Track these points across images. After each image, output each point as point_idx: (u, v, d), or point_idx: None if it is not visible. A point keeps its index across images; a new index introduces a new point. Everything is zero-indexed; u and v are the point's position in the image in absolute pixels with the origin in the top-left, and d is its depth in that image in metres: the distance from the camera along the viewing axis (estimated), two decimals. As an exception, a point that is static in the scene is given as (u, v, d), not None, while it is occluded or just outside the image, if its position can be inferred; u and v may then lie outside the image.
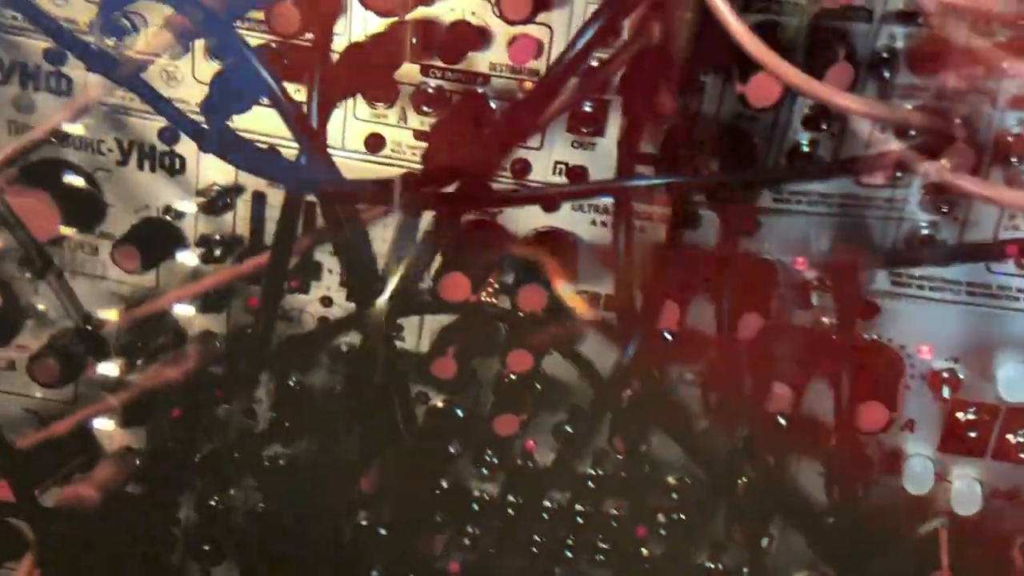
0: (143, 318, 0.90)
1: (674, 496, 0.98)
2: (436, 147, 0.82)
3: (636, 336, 0.85)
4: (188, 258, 0.89)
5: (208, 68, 0.85)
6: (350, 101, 0.86)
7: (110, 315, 0.90)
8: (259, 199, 0.90)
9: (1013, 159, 0.79)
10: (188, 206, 0.89)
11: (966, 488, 0.91)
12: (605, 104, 0.83)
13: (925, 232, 0.84)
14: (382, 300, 0.82)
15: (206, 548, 1.02)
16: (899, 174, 0.81)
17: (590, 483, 0.98)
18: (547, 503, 1.00)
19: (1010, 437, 0.91)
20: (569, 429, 0.96)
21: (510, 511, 1.00)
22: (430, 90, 0.84)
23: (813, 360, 0.84)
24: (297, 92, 0.78)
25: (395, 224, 0.84)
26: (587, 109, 0.84)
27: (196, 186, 0.90)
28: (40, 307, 0.94)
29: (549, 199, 0.84)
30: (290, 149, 0.86)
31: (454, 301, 0.82)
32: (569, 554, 1.01)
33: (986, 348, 0.88)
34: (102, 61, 0.74)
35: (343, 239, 0.83)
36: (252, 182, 0.89)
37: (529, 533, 1.01)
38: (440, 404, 0.96)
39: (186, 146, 0.89)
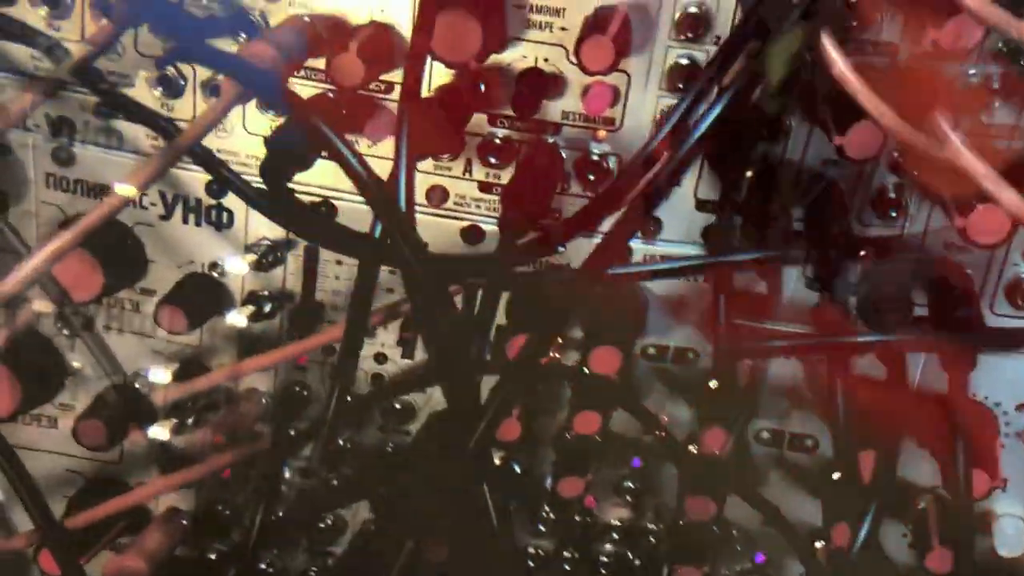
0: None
1: (738, 549, 0.94)
2: (512, 203, 0.77)
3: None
4: (237, 318, 0.84)
5: (259, 119, 0.80)
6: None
7: (161, 378, 0.85)
8: (311, 254, 0.85)
9: None
10: (236, 262, 0.84)
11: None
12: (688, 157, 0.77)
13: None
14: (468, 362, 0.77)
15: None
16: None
17: (651, 538, 0.94)
18: (603, 558, 0.96)
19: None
20: (631, 485, 0.92)
21: (566, 567, 0.96)
22: (497, 140, 0.79)
23: (916, 423, 0.78)
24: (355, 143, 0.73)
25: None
26: (664, 158, 0.79)
27: (245, 241, 0.85)
28: (76, 365, 0.90)
29: (644, 278, 0.80)
30: (346, 203, 0.82)
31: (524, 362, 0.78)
32: None
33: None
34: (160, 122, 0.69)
35: (428, 311, 0.77)
36: (305, 236, 0.84)
37: None
38: (497, 461, 0.91)
39: (234, 199, 0.83)
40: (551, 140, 0.79)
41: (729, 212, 0.77)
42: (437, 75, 0.76)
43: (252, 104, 0.79)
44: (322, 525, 0.93)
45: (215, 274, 0.86)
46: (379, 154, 0.78)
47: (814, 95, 0.73)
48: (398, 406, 0.90)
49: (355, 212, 0.80)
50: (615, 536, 0.95)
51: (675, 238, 0.82)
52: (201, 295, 0.85)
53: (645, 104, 0.77)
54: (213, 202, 0.84)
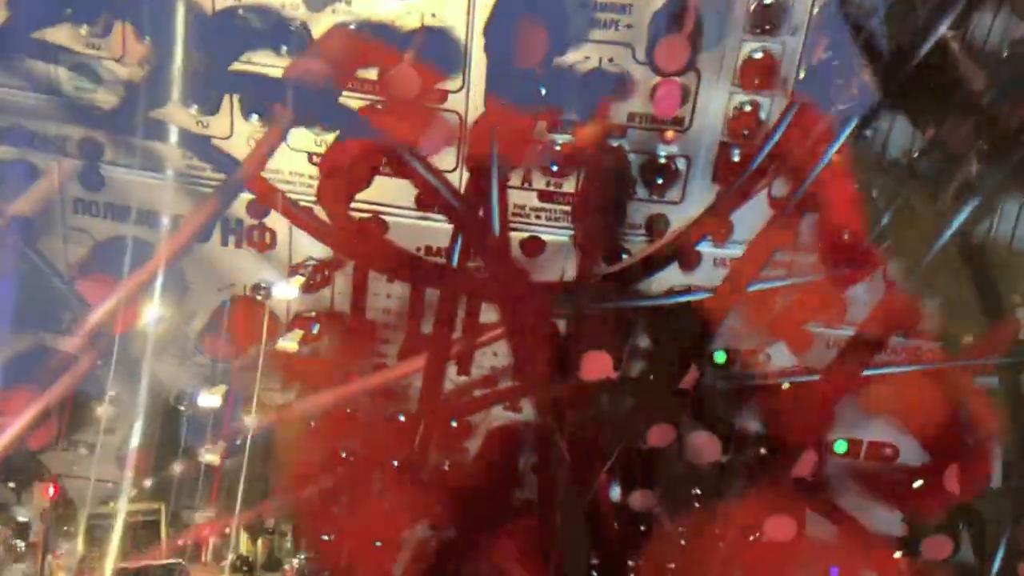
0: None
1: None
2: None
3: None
4: (287, 343, 0.79)
5: (302, 135, 0.75)
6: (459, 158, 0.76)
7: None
8: (362, 272, 0.80)
9: None
10: (279, 288, 0.79)
11: None
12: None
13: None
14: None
15: None
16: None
17: None
18: None
19: None
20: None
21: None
22: (558, 147, 0.74)
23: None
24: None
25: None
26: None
27: (288, 261, 0.80)
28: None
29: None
30: (395, 218, 0.77)
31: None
32: None
33: None
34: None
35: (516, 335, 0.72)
36: (352, 254, 0.79)
37: None
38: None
39: (277, 219, 0.78)
40: (616, 144, 0.74)
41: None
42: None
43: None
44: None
45: (258, 296, 0.81)
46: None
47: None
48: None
49: (404, 227, 0.77)
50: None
51: (744, 240, 0.78)
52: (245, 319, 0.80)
53: (716, 102, 0.72)
54: (255, 222, 0.79)
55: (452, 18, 0.70)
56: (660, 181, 0.75)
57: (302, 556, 0.88)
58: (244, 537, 0.89)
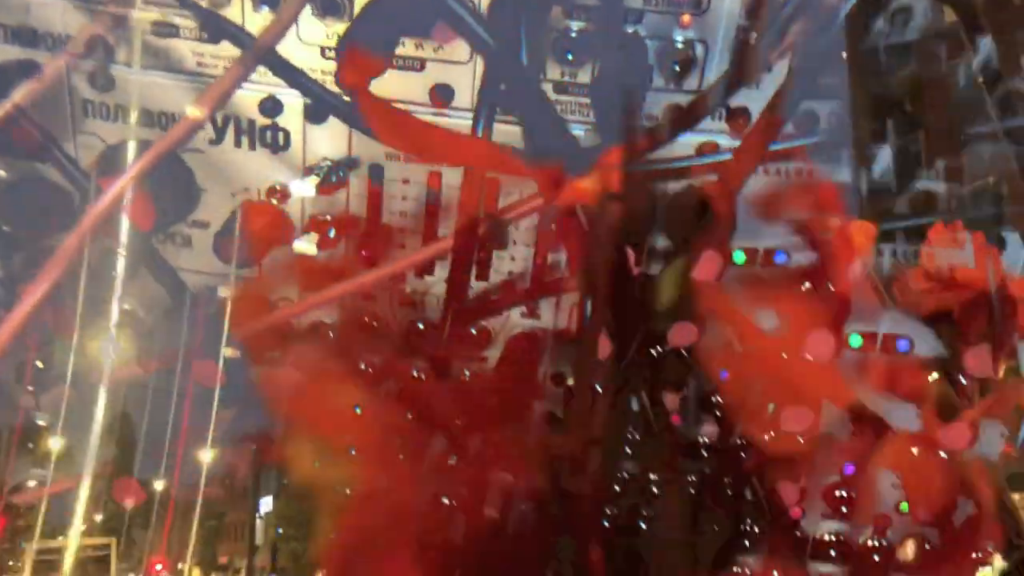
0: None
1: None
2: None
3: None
4: (304, 245, 0.79)
5: (314, 27, 0.74)
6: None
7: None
8: (376, 172, 0.79)
9: None
10: (296, 186, 0.78)
11: None
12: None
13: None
14: None
15: None
16: None
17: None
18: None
19: None
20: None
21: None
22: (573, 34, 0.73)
23: None
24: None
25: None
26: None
27: (303, 162, 0.79)
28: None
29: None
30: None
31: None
32: None
33: None
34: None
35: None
36: (369, 153, 0.78)
37: None
38: None
39: (290, 118, 0.77)
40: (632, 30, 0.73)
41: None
42: None
43: (307, 10, 0.73)
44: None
45: (273, 200, 0.80)
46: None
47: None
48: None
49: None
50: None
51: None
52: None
53: (735, -18, 0.72)
54: (268, 122, 0.78)
55: None
56: (677, 69, 0.74)
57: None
58: (196, 573, 0.86)
